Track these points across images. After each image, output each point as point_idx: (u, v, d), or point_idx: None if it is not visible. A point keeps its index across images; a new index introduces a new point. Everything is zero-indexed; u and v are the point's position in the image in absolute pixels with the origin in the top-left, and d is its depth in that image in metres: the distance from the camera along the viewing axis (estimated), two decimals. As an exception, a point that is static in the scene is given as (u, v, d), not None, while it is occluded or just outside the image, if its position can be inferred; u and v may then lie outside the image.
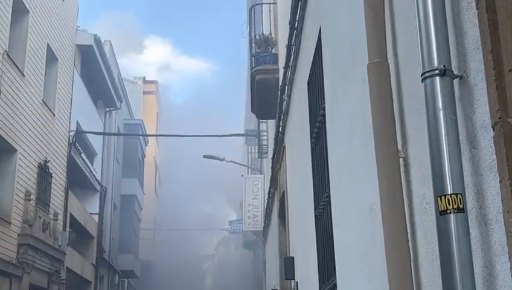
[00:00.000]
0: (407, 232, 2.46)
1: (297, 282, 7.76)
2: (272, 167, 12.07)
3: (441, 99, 1.91)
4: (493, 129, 1.70)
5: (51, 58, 17.28)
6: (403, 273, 2.39)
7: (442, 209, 1.83)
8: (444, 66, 1.92)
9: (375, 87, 2.60)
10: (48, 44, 16.89)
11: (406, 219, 2.47)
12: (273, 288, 12.28)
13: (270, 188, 13.69)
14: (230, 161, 24.29)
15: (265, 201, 16.25)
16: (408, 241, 2.45)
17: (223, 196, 45.66)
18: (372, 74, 2.63)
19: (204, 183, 45.19)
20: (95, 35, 20.80)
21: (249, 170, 24.61)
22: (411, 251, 2.46)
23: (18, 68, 14.56)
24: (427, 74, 1.95)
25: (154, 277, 36.22)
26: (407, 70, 2.54)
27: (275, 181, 11.86)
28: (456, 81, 1.97)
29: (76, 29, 20.18)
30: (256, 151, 20.70)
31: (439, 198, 1.85)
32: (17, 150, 14.41)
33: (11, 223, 13.99)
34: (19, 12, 14.86)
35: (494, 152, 1.72)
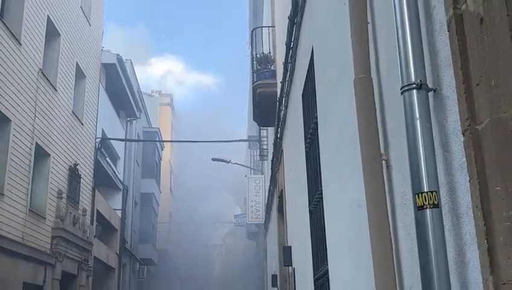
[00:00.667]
0: (390, 225, 2.45)
1: (294, 268, 7.74)
2: (272, 168, 12.06)
3: (418, 110, 1.91)
4: (463, 135, 1.71)
5: (80, 75, 17.32)
6: (385, 260, 2.38)
7: (420, 205, 1.83)
8: (420, 80, 1.92)
9: (361, 99, 2.60)
10: (76, 63, 16.93)
11: (389, 213, 2.47)
12: (273, 273, 12.25)
13: (270, 186, 13.67)
14: (236, 163, 24.27)
15: (266, 198, 16.24)
16: (390, 232, 2.44)
17: (229, 194, 45.59)
18: (358, 87, 2.63)
19: (213, 182, 45.16)
20: (118, 54, 20.85)
21: (252, 170, 24.59)
22: (393, 241, 2.45)
23: (51, 84, 14.59)
24: (406, 88, 1.95)
25: (170, 264, 36.17)
26: (388, 85, 2.54)
27: (274, 180, 11.85)
28: (430, 94, 1.97)
29: (102, 49, 20.22)
30: (258, 154, 20.69)
31: (416, 195, 1.85)
32: (50, 155, 14.43)
33: (45, 219, 14.01)
34: (52, 35, 14.91)
35: (464, 155, 1.72)
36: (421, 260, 1.84)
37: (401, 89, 1.97)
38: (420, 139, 1.89)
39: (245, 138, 27.07)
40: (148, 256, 28.72)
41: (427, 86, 1.94)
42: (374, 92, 2.60)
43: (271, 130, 13.70)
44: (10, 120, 12.00)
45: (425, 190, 1.83)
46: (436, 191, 1.82)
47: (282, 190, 9.48)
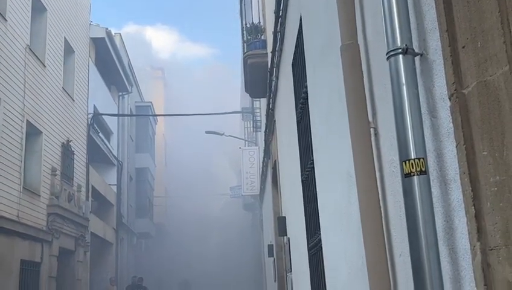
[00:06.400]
0: (378, 193, 2.44)
1: (289, 238, 7.79)
2: (265, 140, 12.04)
3: (404, 75, 1.87)
4: (450, 100, 1.67)
5: (68, 50, 17.09)
6: (375, 228, 2.37)
7: (407, 172, 1.80)
8: (406, 45, 1.88)
9: (348, 66, 2.56)
10: (65, 38, 16.69)
11: (377, 181, 2.45)
12: (269, 243, 12.34)
13: (264, 157, 13.68)
14: (229, 135, 24.23)
15: (261, 169, 16.27)
16: (379, 200, 2.43)
17: (224, 166, 45.64)
18: (345, 54, 2.58)
19: (208, 155, 45.16)
20: (106, 28, 20.56)
21: (246, 142, 24.57)
22: (382, 209, 2.44)
23: (39, 60, 14.41)
24: (392, 53, 1.90)
25: (167, 237, 36.44)
26: (375, 51, 2.49)
27: (268, 152, 11.84)
28: (417, 59, 1.93)
29: (90, 23, 19.93)
30: (252, 126, 20.64)
31: (404, 162, 1.82)
32: (42, 132, 14.34)
33: (40, 196, 14.00)
34: (38, 10, 14.65)
35: (451, 120, 1.69)
36: (409, 227, 1.82)
37: (386, 54, 1.92)
38: (407, 105, 1.85)
39: (238, 110, 26.94)
40: (146, 230, 28.89)
41: (413, 50, 1.89)
42: (360, 58, 2.55)
43: (264, 101, 13.62)
44: (-1, 98, 11.87)
45: (413, 157, 1.80)
46: (423, 158, 1.79)
47: (275, 160, 9.47)
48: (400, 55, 1.88)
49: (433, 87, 1.86)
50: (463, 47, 1.60)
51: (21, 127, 12.96)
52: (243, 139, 25.34)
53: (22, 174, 12.88)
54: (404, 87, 1.86)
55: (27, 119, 13.32)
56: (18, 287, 12.46)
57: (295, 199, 6.31)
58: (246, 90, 12.87)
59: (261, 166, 16.16)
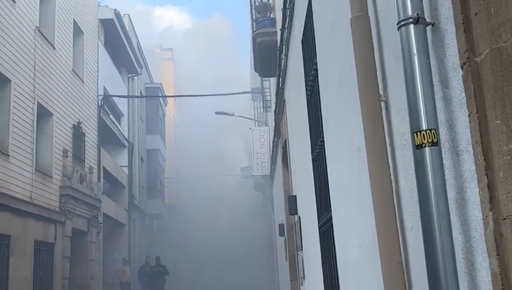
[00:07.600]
0: (389, 167, 2.42)
1: (299, 216, 7.80)
2: (275, 119, 12.00)
3: (415, 45, 1.84)
4: (462, 69, 1.64)
5: (77, 32, 17.08)
6: (386, 202, 2.36)
7: (418, 143, 1.78)
8: (418, 14, 1.84)
9: (358, 38, 2.52)
10: (74, 19, 16.67)
11: (388, 155, 2.43)
12: (280, 223, 12.38)
13: (274, 137, 13.66)
14: (239, 116, 24.20)
15: (271, 149, 16.26)
16: (390, 174, 2.41)
17: (235, 146, 45.67)
18: (355, 27, 2.54)
19: (218, 135, 45.19)
20: (115, 9, 20.49)
21: (256, 123, 24.54)
22: (393, 183, 2.42)
23: (49, 42, 14.42)
24: (403, 22, 1.87)
25: (179, 218, 36.72)
26: (386, 22, 2.45)
27: (278, 131, 11.82)
28: (428, 28, 1.89)
29: (98, 4, 19.87)
30: (261, 106, 20.59)
31: (415, 134, 1.80)
32: (53, 114, 14.42)
33: (52, 177, 14.13)
34: (46, -8, 14.63)
35: (463, 90, 1.66)
36: (420, 199, 1.81)
37: (397, 24, 1.89)
38: (418, 76, 1.82)
39: (248, 90, 26.83)
40: (157, 211, 29.11)
41: (425, 20, 1.86)
42: (371, 30, 2.51)
43: (273, 81, 13.55)
44: (10, 80, 11.92)
45: (424, 128, 1.78)
46: (435, 129, 1.77)
47: (285, 140, 9.46)
48: (411, 25, 1.85)
49: (445, 57, 1.83)
50: (476, 14, 1.57)
51: (32, 109, 13.03)
52: (253, 120, 25.30)
53: (34, 155, 12.99)
54: (416, 58, 1.83)
55: (38, 101, 13.38)
56: (32, 267, 12.65)
57: (305, 177, 6.31)
58: (256, 70, 12.81)
59: (271, 146, 16.15)
